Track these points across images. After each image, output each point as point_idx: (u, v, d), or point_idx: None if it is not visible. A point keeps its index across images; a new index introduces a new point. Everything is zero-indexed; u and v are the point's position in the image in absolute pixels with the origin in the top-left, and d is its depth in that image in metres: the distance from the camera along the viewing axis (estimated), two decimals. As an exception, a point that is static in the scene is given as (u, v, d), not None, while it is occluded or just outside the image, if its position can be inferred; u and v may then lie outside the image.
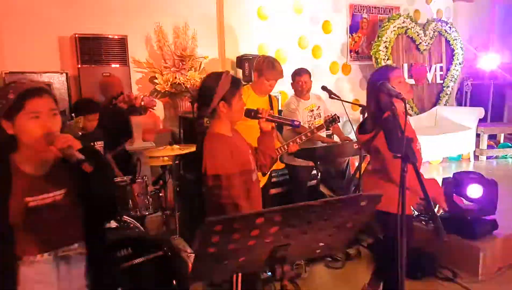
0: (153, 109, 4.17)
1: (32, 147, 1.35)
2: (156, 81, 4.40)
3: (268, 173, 3.08)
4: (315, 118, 3.56)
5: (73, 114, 3.00)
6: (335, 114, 3.24)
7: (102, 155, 1.37)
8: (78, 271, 1.46)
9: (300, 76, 3.49)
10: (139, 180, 2.93)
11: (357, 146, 3.20)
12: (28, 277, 1.36)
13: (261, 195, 2.03)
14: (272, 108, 3.11)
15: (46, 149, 1.33)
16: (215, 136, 1.86)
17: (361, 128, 2.23)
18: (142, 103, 3.98)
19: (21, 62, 3.71)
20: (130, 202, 2.80)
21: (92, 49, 3.87)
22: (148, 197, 3.09)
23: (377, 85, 1.84)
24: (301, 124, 3.44)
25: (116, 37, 4.00)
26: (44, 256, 1.38)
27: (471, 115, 5.91)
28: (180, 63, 4.44)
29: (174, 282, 2.30)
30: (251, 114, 1.90)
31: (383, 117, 1.98)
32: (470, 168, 5.69)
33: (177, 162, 3.19)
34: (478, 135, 6.00)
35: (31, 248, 1.37)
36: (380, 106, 2.02)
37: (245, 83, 4.33)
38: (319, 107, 3.63)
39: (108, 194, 1.53)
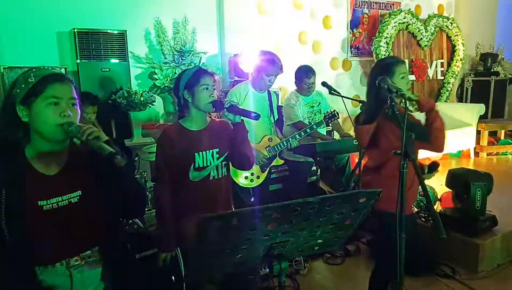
0: (152, 104, 4.18)
1: (46, 138, 1.23)
2: (155, 76, 4.37)
3: (267, 169, 3.08)
4: (315, 114, 3.55)
5: None
6: (334, 110, 3.22)
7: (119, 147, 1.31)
8: (92, 278, 1.37)
9: (309, 79, 3.46)
10: (137, 176, 2.92)
11: (356, 142, 3.19)
12: (41, 287, 1.26)
13: (220, 197, 1.91)
14: (271, 103, 3.10)
15: (61, 141, 1.24)
16: (167, 127, 1.93)
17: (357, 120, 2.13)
18: (142, 99, 3.98)
19: (20, 57, 3.69)
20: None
21: (91, 44, 3.85)
22: (147, 193, 3.09)
23: (377, 80, 1.82)
24: (301, 120, 3.44)
25: (115, 32, 3.98)
26: (57, 266, 1.29)
27: (471, 112, 5.88)
28: (180, 58, 4.42)
29: (172, 278, 2.30)
30: (216, 104, 1.84)
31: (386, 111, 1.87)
32: (470, 165, 5.67)
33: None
34: (478, 132, 5.98)
35: (44, 257, 1.27)
36: (379, 99, 1.93)
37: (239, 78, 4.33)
38: (319, 103, 3.61)
39: (139, 187, 1.43)
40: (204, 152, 1.85)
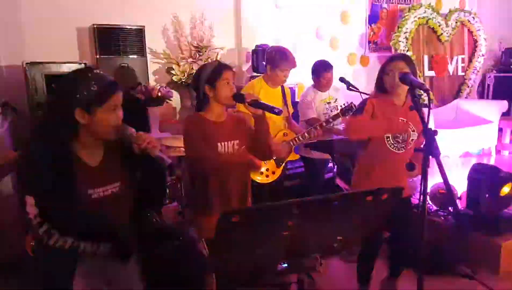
0: (169, 100, 4.21)
1: (102, 137, 1.35)
2: (173, 72, 4.40)
3: (283, 164, 3.06)
4: (331, 111, 3.50)
5: None
6: (352, 102, 3.16)
7: None
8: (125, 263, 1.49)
9: (327, 73, 3.37)
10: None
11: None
12: (81, 271, 1.36)
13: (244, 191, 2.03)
14: (285, 99, 3.07)
15: (112, 140, 1.36)
16: (189, 116, 1.99)
17: None
18: (159, 94, 4.01)
19: (41, 53, 3.75)
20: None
21: (110, 40, 3.89)
22: (167, 188, 3.11)
23: (399, 77, 1.79)
24: (315, 117, 3.39)
25: (134, 27, 4.01)
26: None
27: (493, 109, 5.74)
28: (197, 54, 4.43)
29: (191, 272, 2.31)
30: (238, 98, 1.89)
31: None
32: (491, 163, 5.54)
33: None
34: (500, 129, 5.83)
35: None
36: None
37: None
38: (336, 99, 3.56)
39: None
40: (226, 142, 1.91)
